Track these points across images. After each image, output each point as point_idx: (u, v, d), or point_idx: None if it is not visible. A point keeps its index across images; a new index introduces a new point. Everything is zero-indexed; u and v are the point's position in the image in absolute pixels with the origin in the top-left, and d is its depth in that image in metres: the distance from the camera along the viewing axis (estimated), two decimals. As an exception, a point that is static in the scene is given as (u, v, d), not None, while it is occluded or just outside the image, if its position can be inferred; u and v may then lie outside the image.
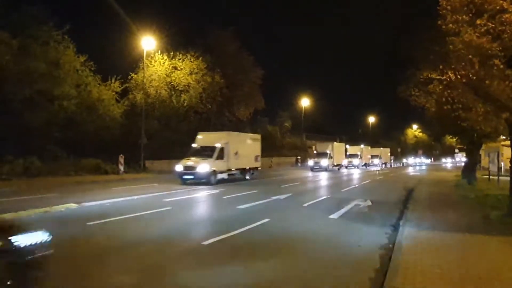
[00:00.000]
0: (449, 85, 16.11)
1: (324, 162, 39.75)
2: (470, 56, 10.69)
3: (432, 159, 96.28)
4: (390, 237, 8.57)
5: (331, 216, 11.32)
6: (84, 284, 5.40)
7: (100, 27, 38.25)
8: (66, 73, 25.36)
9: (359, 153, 52.47)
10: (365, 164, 53.64)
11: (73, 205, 11.82)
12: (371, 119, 77.83)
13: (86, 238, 8.20)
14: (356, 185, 23.81)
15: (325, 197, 16.33)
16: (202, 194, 16.44)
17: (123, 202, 13.31)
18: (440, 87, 17.37)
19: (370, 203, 14.19)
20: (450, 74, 15.64)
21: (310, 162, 41.30)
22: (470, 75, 11.43)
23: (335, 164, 42.73)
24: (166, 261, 6.58)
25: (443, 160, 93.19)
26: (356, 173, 38.65)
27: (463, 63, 12.25)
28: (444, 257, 6.53)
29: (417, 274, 5.57)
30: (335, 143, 44.30)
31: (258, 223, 9.83)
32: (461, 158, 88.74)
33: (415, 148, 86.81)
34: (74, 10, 42.76)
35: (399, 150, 75.43)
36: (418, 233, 8.41)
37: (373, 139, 77.56)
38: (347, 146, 50.03)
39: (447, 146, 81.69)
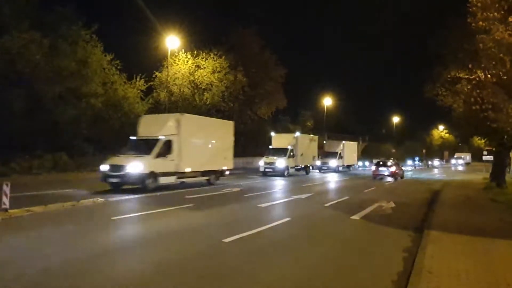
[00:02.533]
0: (478, 84, 15.63)
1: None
2: (501, 55, 10.33)
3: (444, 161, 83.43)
4: (414, 239, 8.40)
5: (353, 217, 11.20)
6: (107, 276, 5.55)
7: (126, 27, 39.06)
8: (94, 71, 26.06)
9: (339, 151, 39.03)
10: (348, 166, 41.91)
11: (99, 200, 12.18)
12: (395, 119, 76.23)
13: (110, 231, 8.44)
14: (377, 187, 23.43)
15: (347, 197, 16.15)
16: (223, 192, 16.59)
17: (146, 198, 13.59)
18: (469, 87, 16.87)
19: (393, 205, 13.94)
20: (480, 74, 15.17)
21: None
22: (501, 75, 11.06)
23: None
24: (186, 256, 6.68)
25: (429, 162, 70.71)
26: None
27: (493, 62, 11.87)
28: (470, 262, 6.35)
29: (441, 279, 5.43)
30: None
31: (279, 222, 9.84)
32: (457, 161, 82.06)
33: (441, 149, 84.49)
34: (101, 10, 43.79)
35: (424, 151, 73.49)
36: (444, 236, 8.20)
37: (397, 139, 75.98)
38: (325, 142, 42.76)
39: (475, 148, 79.08)
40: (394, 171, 29.71)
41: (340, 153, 38.31)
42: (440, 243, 7.60)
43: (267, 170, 27.33)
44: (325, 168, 37.14)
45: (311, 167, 32.63)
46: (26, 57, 21.95)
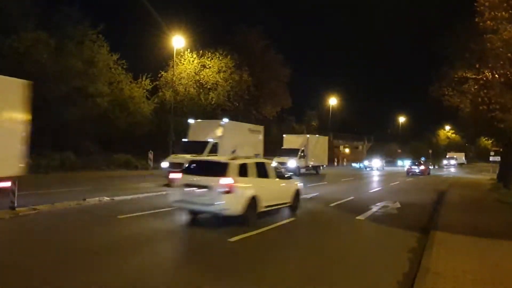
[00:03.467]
0: (485, 84, 15.52)
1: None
2: (509, 55, 10.27)
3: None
4: (419, 240, 8.36)
5: (358, 217, 11.17)
6: (113, 273, 5.60)
7: (132, 26, 39.28)
8: (100, 71, 26.23)
9: (301, 148, 29.69)
10: (315, 168, 32.36)
11: (105, 199, 12.25)
12: (401, 119, 75.79)
13: (117, 230, 8.49)
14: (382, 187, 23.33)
15: (352, 197, 16.10)
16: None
17: (152, 196, 13.65)
18: (476, 87, 16.76)
19: (398, 205, 13.88)
20: (487, 73, 15.06)
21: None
22: (509, 75, 10.97)
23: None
24: (192, 255, 6.71)
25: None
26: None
27: (501, 62, 11.78)
28: (477, 263, 6.31)
29: (447, 280, 5.41)
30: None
31: (284, 221, 9.84)
32: (449, 161, 69.89)
33: (447, 149, 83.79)
34: (107, 10, 44.11)
35: (430, 151, 72.98)
36: (449, 237, 8.16)
37: (403, 139, 75.56)
38: (284, 136, 32.84)
39: (481, 148, 78.38)
40: (424, 169, 38.65)
41: (302, 150, 29.27)
42: (446, 244, 7.56)
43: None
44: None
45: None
46: (33, 57, 22.14)
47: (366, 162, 50.24)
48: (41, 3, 23.56)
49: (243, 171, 9.09)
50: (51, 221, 9.07)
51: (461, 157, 78.64)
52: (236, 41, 37.90)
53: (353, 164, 53.76)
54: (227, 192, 8.43)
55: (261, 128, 25.13)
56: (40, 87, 22.57)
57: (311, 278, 5.81)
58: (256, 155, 20.52)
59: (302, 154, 28.84)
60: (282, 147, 30.03)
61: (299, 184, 11.86)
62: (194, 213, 9.53)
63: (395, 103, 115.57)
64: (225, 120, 21.53)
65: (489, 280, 5.49)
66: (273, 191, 10.11)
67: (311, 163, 30.36)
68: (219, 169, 8.82)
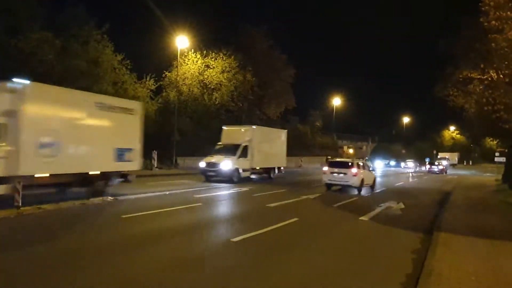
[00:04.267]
0: (490, 85, 15.43)
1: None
2: (514, 55, 10.18)
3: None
4: (423, 241, 8.33)
5: (361, 218, 11.14)
6: (117, 273, 5.62)
7: (136, 27, 39.30)
8: (105, 71, 26.34)
9: (243, 144, 21.64)
10: (267, 171, 24.21)
11: (109, 198, 12.30)
12: (406, 120, 75.48)
13: (120, 230, 8.53)
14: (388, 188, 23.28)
15: (356, 198, 16.07)
16: (232, 191, 16.63)
17: (156, 196, 13.70)
18: (481, 87, 16.68)
19: (402, 206, 13.83)
20: (492, 74, 14.97)
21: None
22: (514, 75, 10.88)
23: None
24: (195, 255, 6.72)
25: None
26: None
27: (506, 62, 11.71)
28: (480, 264, 6.28)
29: (451, 281, 5.38)
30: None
31: (287, 221, 9.84)
32: (441, 162, 58.65)
33: (452, 150, 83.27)
34: (111, 10, 44.24)
35: (434, 152, 72.60)
36: (453, 238, 8.12)
37: (407, 140, 75.27)
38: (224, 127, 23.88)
39: (487, 149, 77.83)
40: (442, 169, 45.68)
41: (245, 147, 21.17)
42: (450, 245, 7.52)
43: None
44: (212, 173, 20.12)
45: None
46: (38, 57, 22.29)
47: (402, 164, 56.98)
48: (47, 4, 23.76)
49: (359, 166, 18.01)
50: (55, 220, 9.13)
51: (454, 157, 72.58)
52: (240, 41, 37.92)
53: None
54: (354, 175, 17.29)
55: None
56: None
57: (315, 278, 5.80)
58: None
59: (245, 152, 20.97)
60: (219, 143, 22.13)
61: (376, 174, 23.11)
62: (330, 186, 18.35)
63: (400, 104, 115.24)
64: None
65: (493, 282, 5.45)
66: (368, 176, 19.06)
67: (258, 165, 22.17)
68: (349, 165, 17.76)
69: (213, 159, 20.54)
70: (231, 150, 20.85)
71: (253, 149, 21.64)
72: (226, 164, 20.14)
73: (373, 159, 52.93)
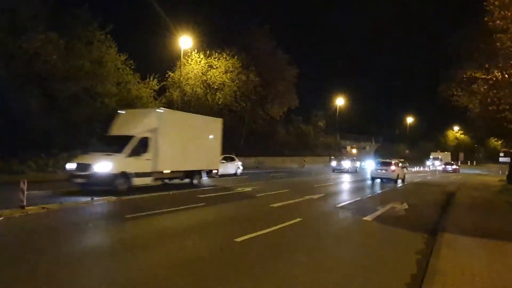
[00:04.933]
0: (495, 84, 15.36)
1: (106, 165, 13.38)
2: (519, 55, 10.11)
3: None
4: (427, 242, 8.29)
5: (365, 218, 11.11)
6: (123, 272, 5.63)
7: (140, 27, 39.40)
8: (108, 71, 26.41)
9: (141, 135, 14.72)
10: (189, 175, 17.62)
11: (113, 198, 12.34)
12: (409, 120, 75.23)
13: (124, 230, 8.56)
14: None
15: (359, 198, 16.03)
16: (235, 192, 16.63)
17: (160, 196, 13.72)
18: (485, 87, 16.60)
19: (406, 206, 13.78)
20: (497, 73, 14.89)
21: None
22: (519, 75, 10.81)
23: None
24: (198, 256, 6.73)
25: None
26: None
27: (511, 62, 11.63)
28: (486, 265, 6.24)
29: (455, 282, 5.36)
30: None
31: (291, 222, 9.83)
32: (434, 162, 60.13)
33: (456, 150, 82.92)
34: (115, 11, 44.38)
35: (437, 152, 72.33)
36: (458, 239, 8.08)
37: (411, 140, 75.06)
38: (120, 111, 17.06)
39: (491, 149, 77.45)
40: (456, 168, 49.88)
41: (142, 140, 14.55)
42: (454, 245, 7.49)
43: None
44: (81, 180, 13.49)
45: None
46: (42, 57, 22.39)
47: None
48: (51, 4, 23.79)
49: (396, 164, 26.07)
50: (59, 220, 9.17)
51: (447, 157, 67.77)
52: (244, 41, 37.93)
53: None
54: (393, 171, 25.16)
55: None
56: (49, 87, 23.03)
57: (318, 278, 5.79)
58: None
59: (141, 147, 14.42)
60: (108, 134, 15.59)
61: (405, 170, 31.18)
62: (374, 179, 25.69)
63: (404, 104, 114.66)
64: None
65: (498, 283, 5.42)
66: (401, 172, 26.65)
67: (168, 167, 15.51)
68: (390, 164, 25.80)
69: (86, 158, 13.84)
70: (119, 144, 14.05)
71: (158, 143, 14.77)
72: (103, 165, 13.21)
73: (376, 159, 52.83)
